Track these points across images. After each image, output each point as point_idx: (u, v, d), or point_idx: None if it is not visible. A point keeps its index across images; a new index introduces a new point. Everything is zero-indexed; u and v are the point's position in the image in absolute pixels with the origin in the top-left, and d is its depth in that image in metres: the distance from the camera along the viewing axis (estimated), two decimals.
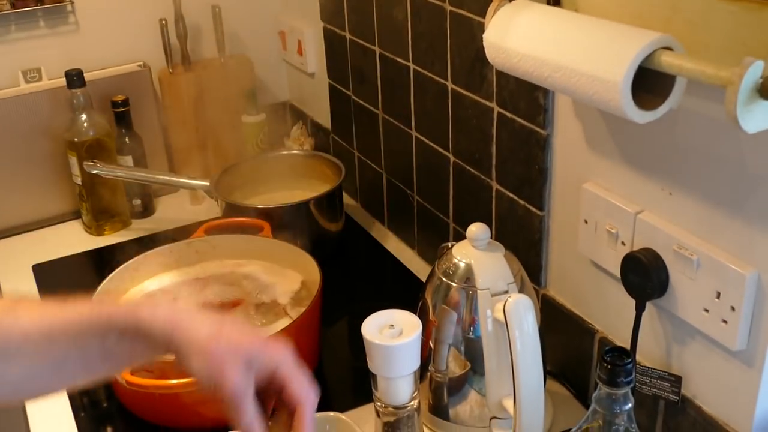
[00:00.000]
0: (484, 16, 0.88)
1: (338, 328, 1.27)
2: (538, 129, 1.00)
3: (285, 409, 0.71)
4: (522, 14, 0.84)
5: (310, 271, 1.15)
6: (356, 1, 1.40)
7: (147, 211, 1.60)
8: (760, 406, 0.80)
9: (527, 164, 1.04)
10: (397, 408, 0.91)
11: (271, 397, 0.71)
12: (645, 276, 0.85)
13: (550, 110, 0.98)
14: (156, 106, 1.62)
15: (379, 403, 0.92)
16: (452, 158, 1.22)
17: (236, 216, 1.31)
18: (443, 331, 0.94)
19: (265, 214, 1.31)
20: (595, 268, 0.96)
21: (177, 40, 1.59)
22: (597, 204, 0.92)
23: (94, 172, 1.46)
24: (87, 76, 1.46)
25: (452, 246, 0.95)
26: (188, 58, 1.61)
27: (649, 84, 0.72)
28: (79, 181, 1.50)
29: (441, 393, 0.97)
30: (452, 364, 0.95)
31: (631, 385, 0.74)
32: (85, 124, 1.47)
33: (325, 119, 1.65)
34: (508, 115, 1.05)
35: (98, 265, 1.44)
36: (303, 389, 0.69)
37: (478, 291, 0.91)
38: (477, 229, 0.93)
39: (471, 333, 0.93)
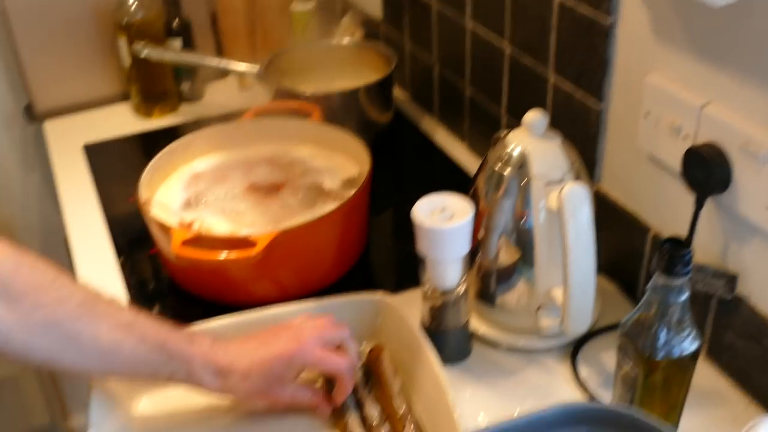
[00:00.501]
0: None
1: (384, 217, 1.25)
2: (601, 17, 0.95)
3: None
4: None
5: (360, 156, 1.12)
6: None
7: (195, 95, 1.58)
8: None
9: (587, 54, 0.99)
10: (444, 292, 0.90)
11: None
12: (707, 171, 0.82)
13: None
14: None
15: (426, 287, 0.91)
16: (508, 48, 1.17)
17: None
18: (494, 220, 0.91)
19: (315, 100, 1.28)
20: (653, 164, 0.93)
21: None
22: (660, 96, 0.88)
23: (143, 55, 1.43)
24: None
25: (507, 133, 0.92)
26: None
27: None
28: (127, 63, 1.48)
29: (489, 280, 0.95)
30: (502, 253, 0.93)
31: (689, 275, 0.72)
32: (134, 6, 1.44)
33: (376, 9, 1.60)
34: (570, 2, 1.00)
35: (147, 147, 1.43)
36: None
37: (533, 179, 0.88)
38: (534, 116, 0.89)
39: (523, 223, 0.90)
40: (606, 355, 0.95)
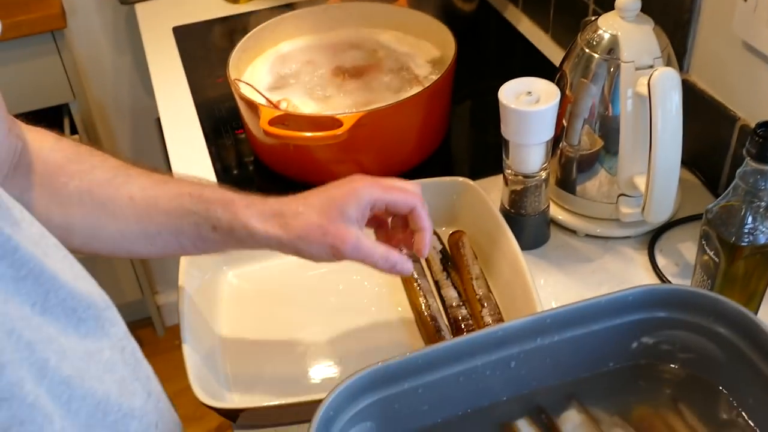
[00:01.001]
0: None
1: (465, 106, 1.23)
2: None
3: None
4: None
5: (445, 43, 1.10)
6: None
7: None
8: None
9: None
10: (526, 176, 0.89)
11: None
12: None
13: None
14: None
15: (508, 171, 0.90)
16: None
17: None
18: (580, 105, 0.89)
19: None
20: (748, 52, 0.88)
21: None
22: None
23: None
24: None
25: (598, 17, 0.88)
26: None
27: None
28: None
29: (570, 168, 0.93)
30: (585, 140, 0.91)
31: None
32: None
33: None
34: None
35: (234, 30, 1.42)
36: (404, 190, 0.74)
37: (622, 64, 0.85)
38: None
39: (609, 109, 0.88)
40: (684, 246, 0.93)
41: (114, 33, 1.71)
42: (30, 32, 1.51)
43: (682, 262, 0.91)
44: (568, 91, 0.90)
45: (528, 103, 0.84)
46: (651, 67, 0.84)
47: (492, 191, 0.96)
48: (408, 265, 0.73)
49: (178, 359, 0.75)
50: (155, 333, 2.17)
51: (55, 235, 0.66)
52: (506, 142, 0.87)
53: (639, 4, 0.85)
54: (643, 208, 0.87)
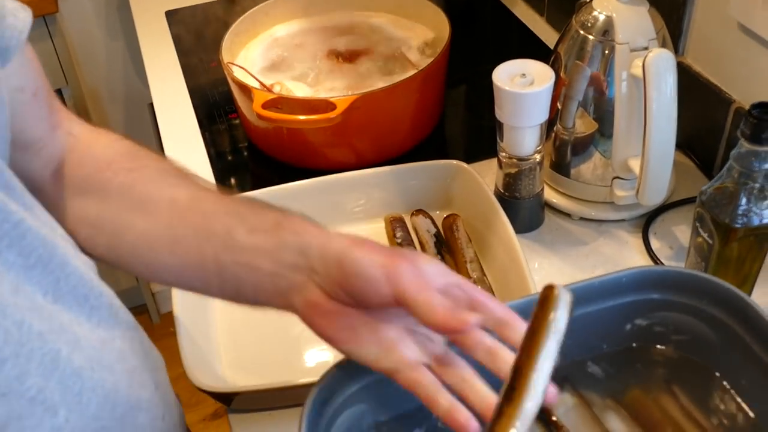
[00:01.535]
0: None
1: (459, 90, 1.23)
2: None
3: None
4: None
5: (439, 26, 1.10)
6: None
7: None
8: None
9: None
10: (520, 159, 0.88)
11: None
12: None
13: None
14: None
15: (503, 154, 0.89)
16: None
17: None
18: (574, 88, 0.89)
19: None
20: (744, 34, 0.88)
21: None
22: None
23: None
24: None
25: None
26: None
27: None
28: None
29: (564, 151, 0.93)
30: (579, 123, 0.90)
31: None
32: None
33: None
34: None
35: (228, 14, 1.42)
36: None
37: (617, 45, 0.84)
38: None
39: (603, 91, 0.87)
40: (678, 229, 0.93)
41: (106, 17, 1.71)
42: None
43: (676, 245, 0.91)
44: (562, 74, 0.89)
45: (522, 85, 0.83)
46: (646, 48, 0.84)
47: (486, 175, 0.96)
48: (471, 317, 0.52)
49: (173, 346, 0.75)
50: (150, 320, 2.17)
51: (83, 234, 0.64)
52: (500, 125, 0.87)
53: None
54: (638, 191, 0.87)
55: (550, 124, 0.90)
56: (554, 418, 0.64)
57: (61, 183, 0.66)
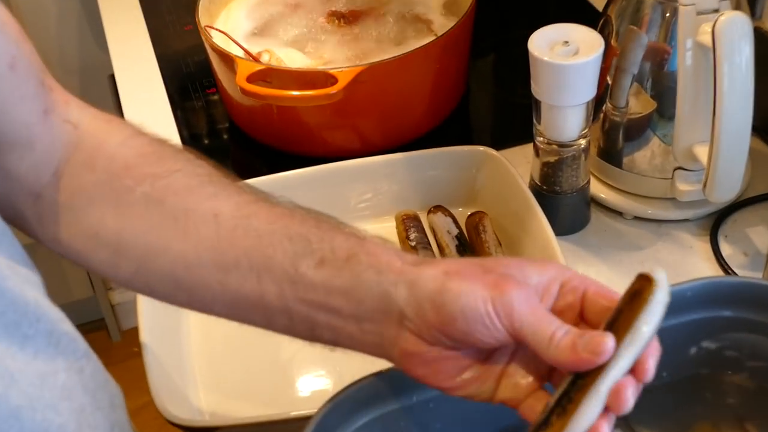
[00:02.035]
0: None
1: (487, 61, 1.24)
2: None
3: None
4: None
5: None
6: None
7: None
8: None
9: None
10: (561, 145, 0.88)
11: None
12: None
13: None
14: None
15: (540, 139, 0.89)
16: None
17: None
18: (628, 59, 0.89)
19: None
20: None
21: None
22: None
23: None
24: None
25: None
26: None
27: None
28: None
29: (615, 136, 0.93)
30: (634, 102, 0.90)
31: None
32: None
33: None
34: None
35: None
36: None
37: (681, 7, 0.84)
38: None
39: (663, 63, 0.87)
40: (754, 232, 0.93)
41: None
42: None
43: (751, 250, 0.91)
44: (613, 41, 0.89)
45: (565, 55, 0.83)
46: (716, 11, 0.83)
47: (520, 164, 0.96)
48: (607, 342, 0.52)
49: (137, 369, 0.75)
50: (109, 338, 2.18)
51: (101, 257, 0.63)
52: (538, 104, 0.87)
53: None
54: (705, 185, 0.86)
55: (597, 102, 0.90)
56: None
57: (65, 189, 0.64)
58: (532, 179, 0.93)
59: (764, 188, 0.96)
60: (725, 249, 0.91)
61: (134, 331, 0.78)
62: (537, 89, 0.86)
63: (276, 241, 0.59)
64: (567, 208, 0.93)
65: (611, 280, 0.88)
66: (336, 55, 1.06)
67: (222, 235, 0.60)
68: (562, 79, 0.83)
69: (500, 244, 0.91)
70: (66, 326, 0.58)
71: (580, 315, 0.56)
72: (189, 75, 1.20)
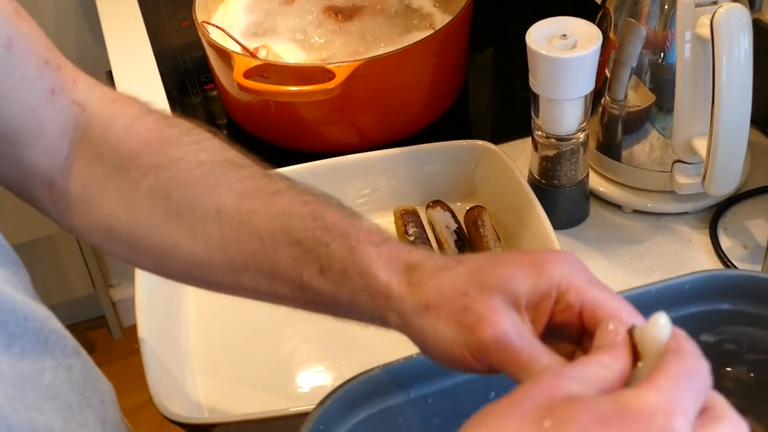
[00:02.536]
0: None
1: (485, 55, 1.23)
2: None
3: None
4: None
5: None
6: None
7: None
8: None
9: None
10: (560, 139, 0.88)
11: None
12: None
13: None
14: None
15: (538, 132, 0.89)
16: None
17: None
18: (626, 52, 0.88)
19: None
20: None
21: None
22: None
23: None
24: None
25: None
26: None
27: None
28: None
29: (614, 129, 0.93)
30: (632, 95, 0.90)
31: None
32: None
33: None
34: None
35: None
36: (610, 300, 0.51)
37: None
38: None
39: (662, 56, 0.87)
40: (754, 224, 0.93)
41: None
42: None
43: (751, 243, 0.90)
44: (611, 34, 0.89)
45: (563, 49, 0.83)
46: (715, 3, 0.83)
47: (519, 158, 0.96)
48: None
49: (138, 366, 0.75)
50: (110, 335, 2.18)
51: (119, 251, 0.63)
52: (536, 97, 0.87)
53: None
54: (704, 178, 0.86)
55: (596, 96, 0.90)
56: None
57: (77, 178, 0.64)
58: (530, 173, 0.93)
59: (764, 181, 0.96)
60: (725, 242, 0.91)
61: (135, 328, 0.78)
62: (535, 83, 0.86)
63: (277, 244, 0.59)
64: (566, 202, 0.93)
65: (610, 273, 0.89)
66: (333, 50, 1.06)
67: (227, 235, 0.60)
68: (560, 72, 0.83)
69: (499, 239, 0.91)
70: (55, 324, 0.58)
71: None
72: (187, 71, 1.19)
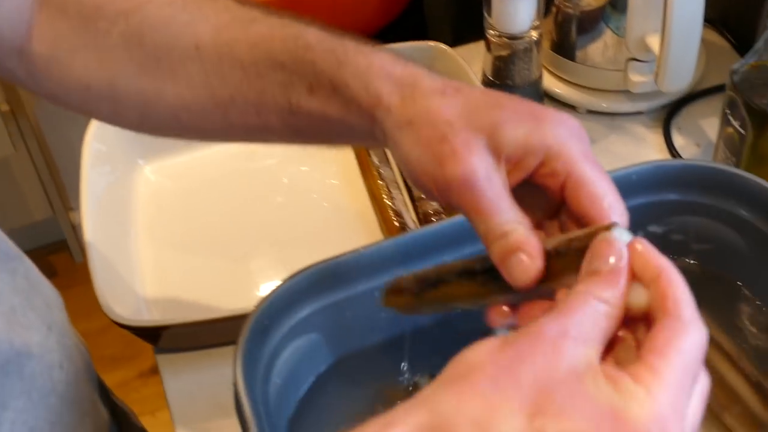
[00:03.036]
0: None
1: None
2: None
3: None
4: None
5: None
6: None
7: None
8: None
9: None
10: (512, 38, 0.87)
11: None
12: None
13: None
14: None
15: (491, 32, 0.88)
16: None
17: None
18: None
19: None
20: None
21: None
22: None
23: None
24: None
25: None
26: None
27: None
28: None
29: (568, 28, 0.92)
30: None
31: None
32: None
33: None
34: None
35: None
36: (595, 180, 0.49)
37: None
38: None
39: None
40: (707, 123, 0.93)
41: None
42: None
43: (704, 141, 0.91)
44: None
45: None
46: None
47: (475, 61, 0.95)
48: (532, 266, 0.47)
49: None
50: (72, 258, 2.16)
51: (102, 110, 0.62)
52: None
53: None
54: (657, 75, 0.86)
55: None
56: None
57: (44, 40, 0.61)
58: (484, 74, 0.92)
59: (718, 80, 0.95)
60: (678, 140, 0.91)
61: None
62: None
63: (262, 72, 0.57)
64: None
65: None
66: None
67: (209, 70, 0.58)
68: None
69: None
70: None
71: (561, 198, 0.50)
72: None
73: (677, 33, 0.83)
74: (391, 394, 0.66)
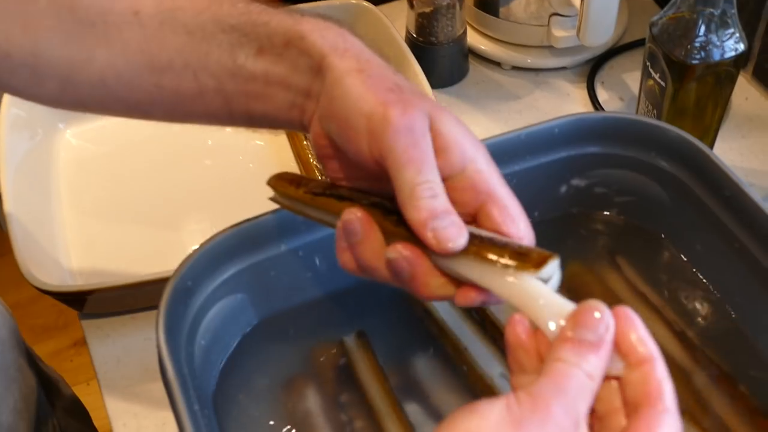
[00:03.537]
0: None
1: None
2: None
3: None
4: None
5: None
6: None
7: None
8: None
9: None
10: None
11: None
12: None
13: None
14: None
15: None
16: None
17: None
18: None
19: None
20: None
21: None
22: None
23: None
24: None
25: None
26: None
27: None
28: None
29: None
30: None
31: None
32: None
33: None
34: None
35: None
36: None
37: None
38: None
39: None
40: (630, 77, 0.93)
41: None
42: None
43: (627, 95, 0.91)
44: None
45: None
46: None
47: (398, 19, 0.94)
48: (458, 239, 0.47)
49: None
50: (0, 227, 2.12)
51: (19, 77, 0.58)
52: None
53: None
54: (579, 29, 0.86)
55: None
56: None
57: None
58: (407, 31, 0.92)
59: (640, 34, 0.96)
60: (602, 95, 0.91)
61: None
62: None
63: (209, 35, 0.55)
64: (444, 60, 0.92)
65: (489, 130, 0.89)
66: None
67: (149, 35, 0.56)
68: None
69: None
70: None
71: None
72: None
73: None
74: (318, 352, 0.65)
